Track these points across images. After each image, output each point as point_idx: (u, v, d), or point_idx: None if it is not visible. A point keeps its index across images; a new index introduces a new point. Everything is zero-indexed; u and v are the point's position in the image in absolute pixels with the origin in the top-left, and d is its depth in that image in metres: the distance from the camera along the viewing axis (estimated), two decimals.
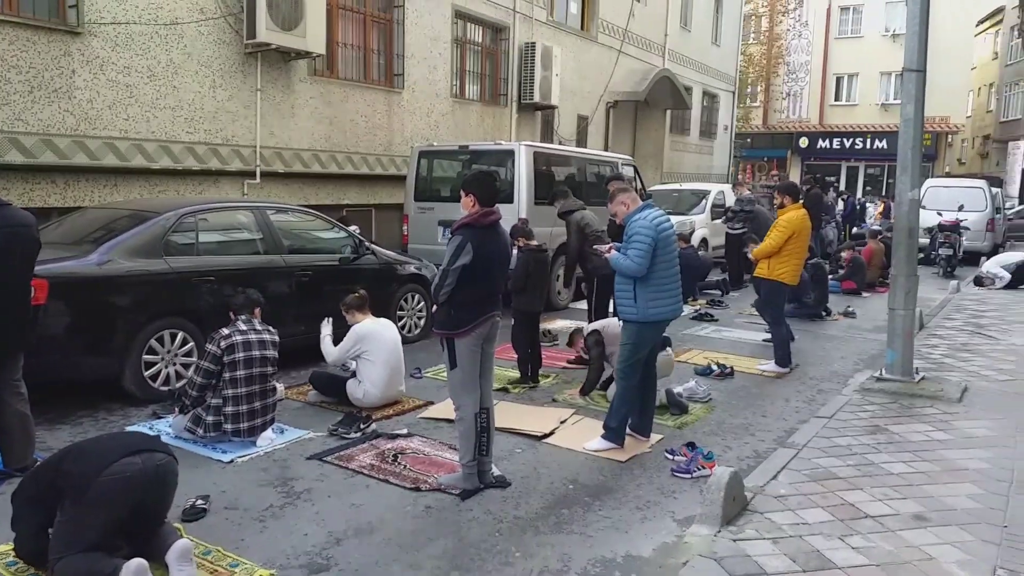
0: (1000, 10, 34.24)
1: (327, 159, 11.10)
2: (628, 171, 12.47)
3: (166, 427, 5.20)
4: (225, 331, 4.94)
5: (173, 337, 5.92)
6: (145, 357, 5.75)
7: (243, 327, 5.00)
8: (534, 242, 6.73)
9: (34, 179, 7.91)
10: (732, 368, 7.13)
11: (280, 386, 5.68)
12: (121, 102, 8.52)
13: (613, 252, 5.01)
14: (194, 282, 6.05)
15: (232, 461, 4.70)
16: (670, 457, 4.88)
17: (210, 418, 4.87)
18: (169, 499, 3.46)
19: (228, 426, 4.86)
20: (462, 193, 4.34)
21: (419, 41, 12.63)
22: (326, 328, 6.03)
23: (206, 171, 9.47)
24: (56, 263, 5.30)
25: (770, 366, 7.28)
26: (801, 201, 7.69)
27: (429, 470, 4.59)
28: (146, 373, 5.75)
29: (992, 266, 13.73)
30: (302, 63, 10.55)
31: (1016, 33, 31.30)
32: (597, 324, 6.42)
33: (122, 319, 5.63)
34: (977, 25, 34.86)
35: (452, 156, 10.68)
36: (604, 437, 5.08)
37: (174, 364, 5.93)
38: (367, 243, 7.78)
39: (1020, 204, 25.89)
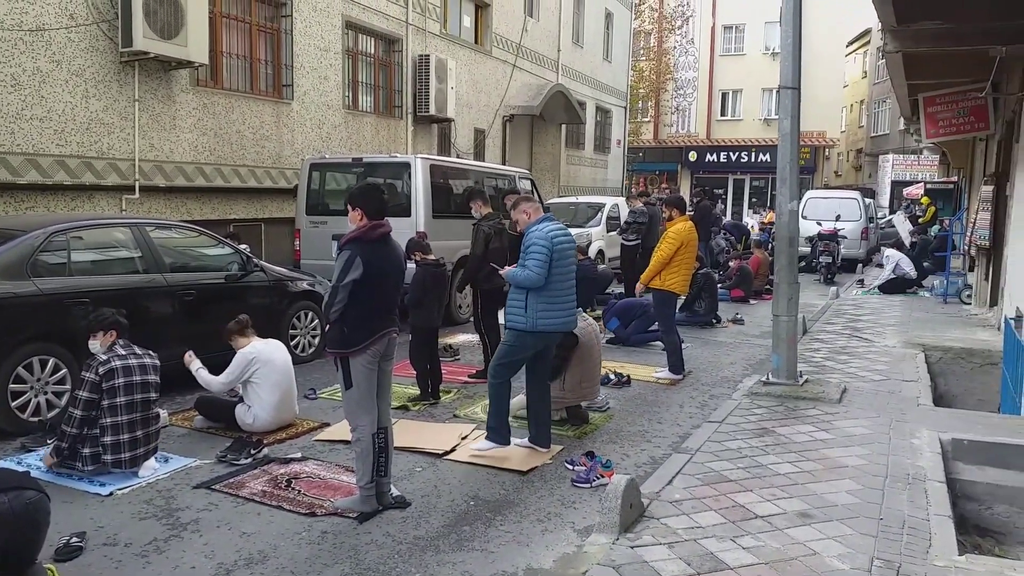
0: (867, 32, 36.69)
1: (212, 172, 10.66)
2: (526, 184, 12.60)
3: (36, 460, 4.84)
4: (103, 356, 4.63)
5: (44, 364, 5.52)
6: (12, 387, 5.33)
7: (122, 351, 4.71)
8: (431, 256, 6.66)
9: None
10: (629, 376, 7.27)
11: (163, 412, 5.39)
12: None
13: (507, 269, 5.08)
14: (66, 304, 5.67)
15: (111, 494, 4.42)
16: (570, 467, 4.92)
17: (87, 450, 4.56)
18: (40, 538, 3.20)
19: (108, 457, 4.55)
20: (348, 207, 4.25)
21: (308, 51, 12.35)
22: (194, 363, 5.60)
23: (79, 186, 8.90)
24: None
25: (664, 373, 7.48)
26: (689, 213, 7.96)
27: (325, 494, 4.44)
28: (14, 403, 5.33)
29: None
30: (184, 73, 10.10)
31: (880, 54, 33.67)
32: (578, 326, 5.79)
33: None
34: (848, 45, 37.26)
35: (345, 168, 10.48)
36: (487, 438, 5.15)
37: (45, 393, 5.53)
38: (255, 260, 7.51)
39: (890, 214, 27.75)
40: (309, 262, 9.69)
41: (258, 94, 11.56)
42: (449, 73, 15.37)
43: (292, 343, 7.54)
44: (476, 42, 17.79)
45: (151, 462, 4.74)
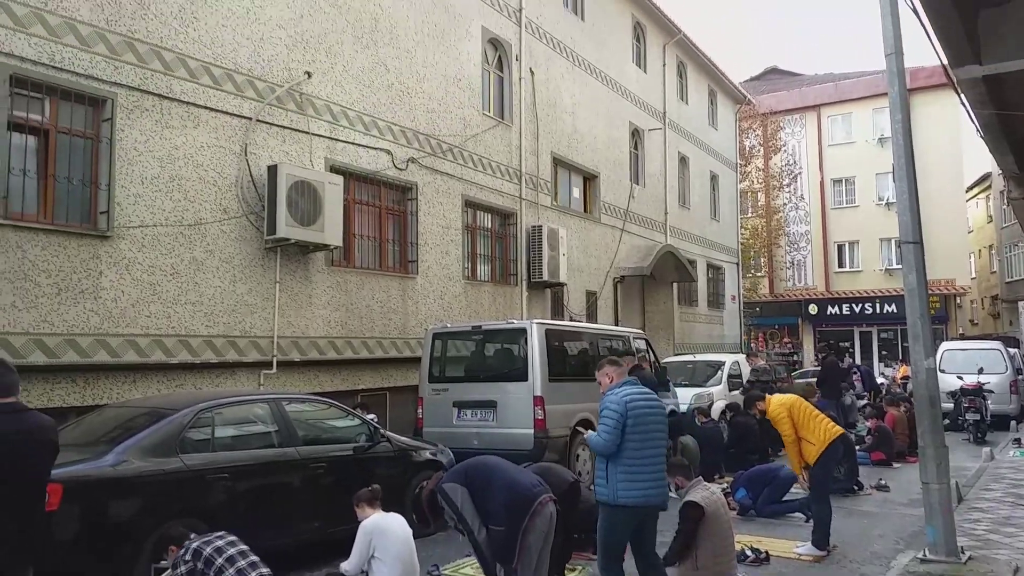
0: (987, 176, 35.74)
1: (343, 345, 11.26)
2: (640, 344, 12.55)
3: None
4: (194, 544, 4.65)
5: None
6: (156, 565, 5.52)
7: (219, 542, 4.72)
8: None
9: (55, 379, 8.00)
10: (767, 552, 6.77)
11: None
12: (144, 299, 8.79)
13: (588, 434, 5.05)
14: (208, 479, 5.95)
15: None
16: None
17: None
18: None
19: None
20: None
21: (432, 229, 13.20)
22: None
23: (223, 363, 9.58)
24: (71, 466, 5.24)
25: (807, 548, 6.92)
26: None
27: None
28: None
29: None
30: (320, 255, 10.98)
31: (1005, 199, 32.53)
32: (699, 495, 5.65)
33: (133, 523, 5.47)
34: (968, 191, 36.27)
35: (465, 336, 10.82)
36: None
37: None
38: (382, 430, 7.70)
39: None
40: (431, 430, 9.83)
41: (386, 270, 12.34)
42: (560, 241, 15.95)
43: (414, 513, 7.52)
44: (585, 211, 18.52)
45: None
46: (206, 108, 9.57)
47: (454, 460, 8.34)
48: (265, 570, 4.75)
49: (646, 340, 13.16)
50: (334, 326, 11.16)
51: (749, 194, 34.34)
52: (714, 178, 26.54)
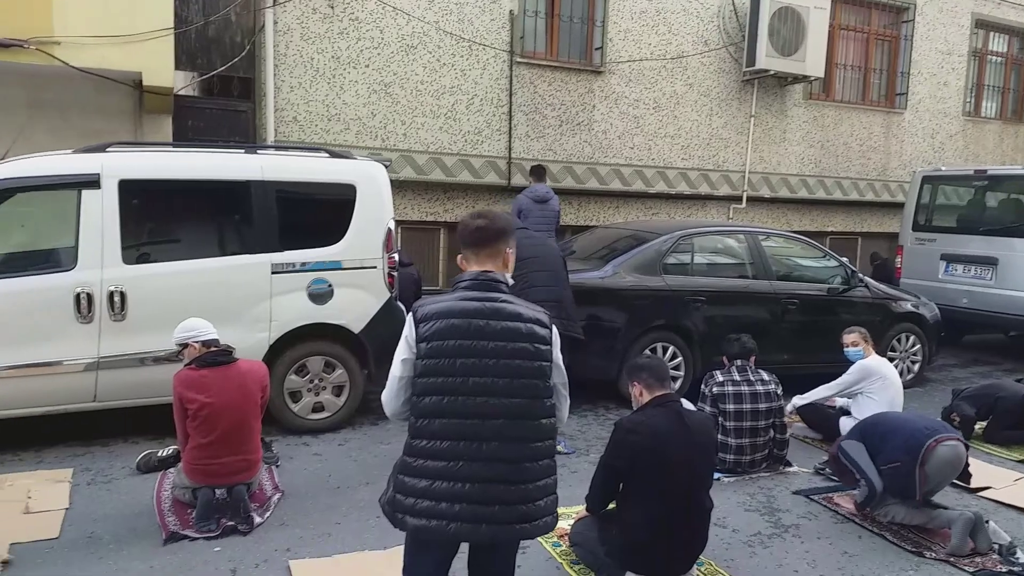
0: None
1: (814, 184, 10.74)
2: None
3: None
4: (719, 377, 4.94)
5: (664, 350, 6.29)
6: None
7: (737, 376, 4.93)
8: None
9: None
10: None
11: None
12: (628, 132, 9.39)
13: None
14: (686, 300, 6.35)
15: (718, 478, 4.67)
16: None
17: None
18: None
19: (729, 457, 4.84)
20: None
21: (928, 56, 11.45)
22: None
23: (695, 195, 9.91)
24: (576, 274, 6.05)
25: None
26: None
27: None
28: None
29: None
30: (797, 87, 10.39)
31: None
32: None
33: (624, 328, 6.16)
34: None
35: (964, 182, 9.42)
36: None
37: None
38: (860, 275, 7.30)
39: None
40: (910, 281, 9.00)
41: (869, 104, 11.20)
42: None
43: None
44: None
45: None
46: None
47: (938, 315, 7.61)
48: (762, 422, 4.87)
49: None
50: (807, 163, 10.65)
51: None
52: None
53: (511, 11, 8.60)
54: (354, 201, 5.36)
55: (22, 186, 4.64)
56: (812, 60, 9.79)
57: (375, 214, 5.43)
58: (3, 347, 4.49)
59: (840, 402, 5.59)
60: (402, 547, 2.57)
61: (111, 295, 4.68)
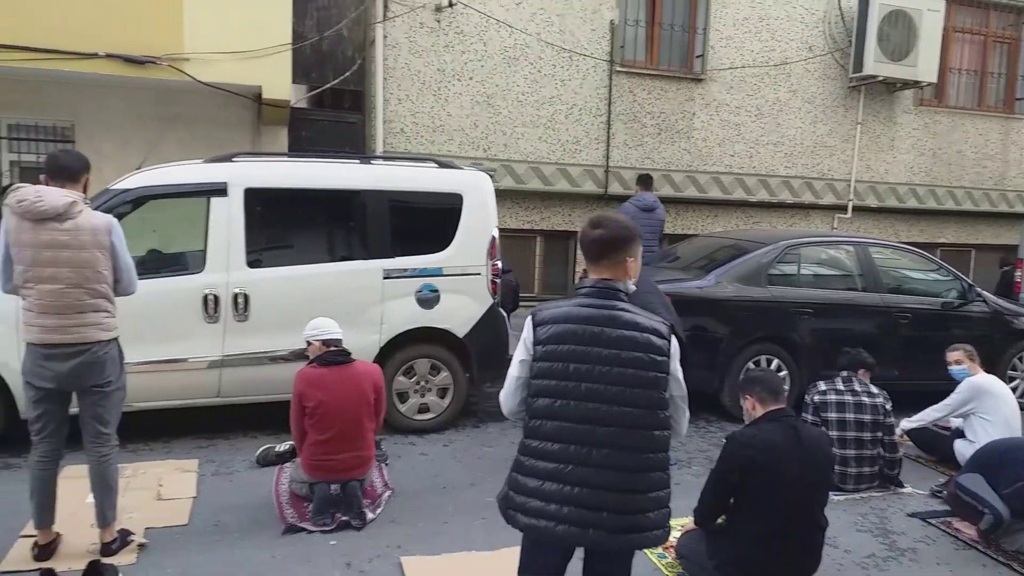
0: None
1: (925, 193, 10.30)
2: None
3: None
4: (822, 386, 4.84)
5: (769, 362, 6.17)
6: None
7: (841, 386, 4.82)
8: None
9: None
10: None
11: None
12: (729, 139, 9.26)
13: None
14: (792, 312, 6.21)
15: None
16: None
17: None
18: None
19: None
20: None
21: None
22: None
23: (798, 204, 9.68)
24: (676, 283, 6.01)
25: None
26: None
27: None
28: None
29: None
30: (907, 93, 10.00)
31: None
32: None
33: (726, 339, 6.08)
34: None
35: None
36: None
37: None
38: (977, 289, 6.97)
39: None
40: None
41: (985, 110, 10.68)
42: None
43: (1010, 386, 6.76)
44: None
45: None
46: None
47: None
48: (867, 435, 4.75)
49: None
50: (917, 172, 10.24)
51: None
52: None
53: (612, 20, 8.63)
54: (461, 209, 5.51)
55: (156, 194, 4.97)
56: (924, 64, 9.41)
57: (480, 223, 5.56)
58: (139, 344, 4.82)
59: (955, 423, 5.36)
60: (509, 548, 2.61)
61: (236, 297, 4.96)
